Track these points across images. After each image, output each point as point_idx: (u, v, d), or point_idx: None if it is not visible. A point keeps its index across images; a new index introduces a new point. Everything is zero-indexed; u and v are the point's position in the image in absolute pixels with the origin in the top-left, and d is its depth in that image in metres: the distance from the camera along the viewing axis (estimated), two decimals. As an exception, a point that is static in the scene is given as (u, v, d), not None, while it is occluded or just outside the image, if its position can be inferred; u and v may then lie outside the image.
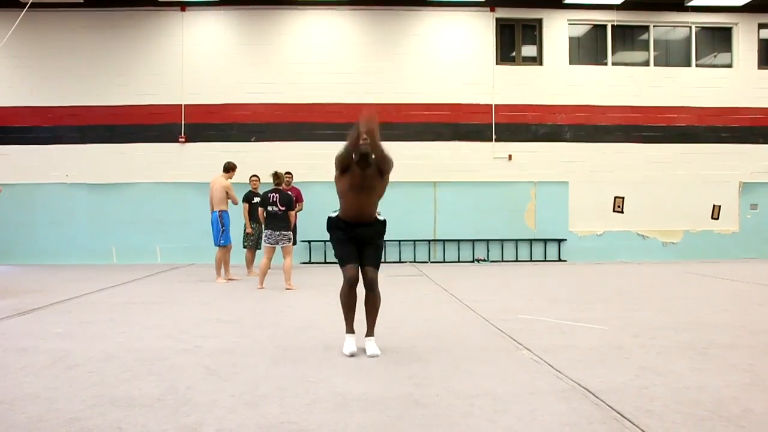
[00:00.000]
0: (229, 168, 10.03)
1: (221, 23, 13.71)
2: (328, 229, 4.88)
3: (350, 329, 4.72)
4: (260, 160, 12.60)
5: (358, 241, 4.78)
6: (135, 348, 4.74)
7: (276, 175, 8.95)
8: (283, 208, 8.66)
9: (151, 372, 4.00)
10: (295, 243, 10.91)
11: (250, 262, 10.91)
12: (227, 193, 9.76)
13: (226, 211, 9.79)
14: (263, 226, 9.00)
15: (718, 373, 3.96)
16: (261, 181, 11.00)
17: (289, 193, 9.07)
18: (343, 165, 4.60)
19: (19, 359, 4.35)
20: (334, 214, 4.84)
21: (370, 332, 4.72)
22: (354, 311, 4.77)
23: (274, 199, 8.70)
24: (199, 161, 13.34)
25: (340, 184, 4.69)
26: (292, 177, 11.80)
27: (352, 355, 4.49)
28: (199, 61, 13.61)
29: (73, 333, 5.36)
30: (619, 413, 3.15)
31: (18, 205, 13.24)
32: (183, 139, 13.52)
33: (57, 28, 13.52)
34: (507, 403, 3.33)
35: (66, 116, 13.50)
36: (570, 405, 3.30)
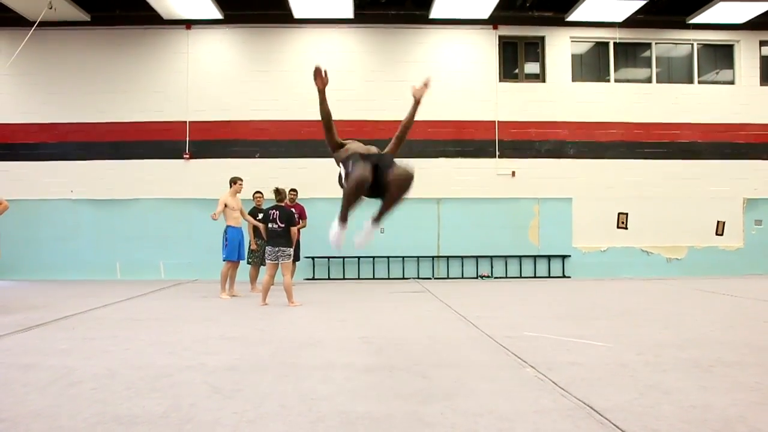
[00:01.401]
0: (231, 182, 10.06)
1: (226, 41, 13.84)
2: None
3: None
4: (264, 176, 12.67)
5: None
6: (138, 365, 4.73)
7: (277, 192, 8.96)
8: (283, 225, 8.65)
9: (154, 389, 3.99)
10: (298, 259, 10.93)
11: (253, 279, 10.90)
12: (224, 206, 9.71)
13: (231, 227, 9.79)
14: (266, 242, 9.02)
15: (724, 391, 3.93)
16: (265, 197, 11.05)
17: (291, 210, 9.06)
18: None
19: (23, 376, 4.35)
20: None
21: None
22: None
23: (275, 216, 8.72)
24: (204, 177, 13.41)
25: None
26: (296, 194, 11.84)
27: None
28: (203, 78, 13.73)
29: (77, 349, 5.36)
30: (624, 432, 3.13)
31: (23, 221, 13.30)
32: (188, 156, 13.59)
33: (64, 46, 13.67)
34: (511, 422, 3.31)
35: (72, 132, 13.60)
36: (575, 424, 3.28)
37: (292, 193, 11.66)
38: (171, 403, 3.66)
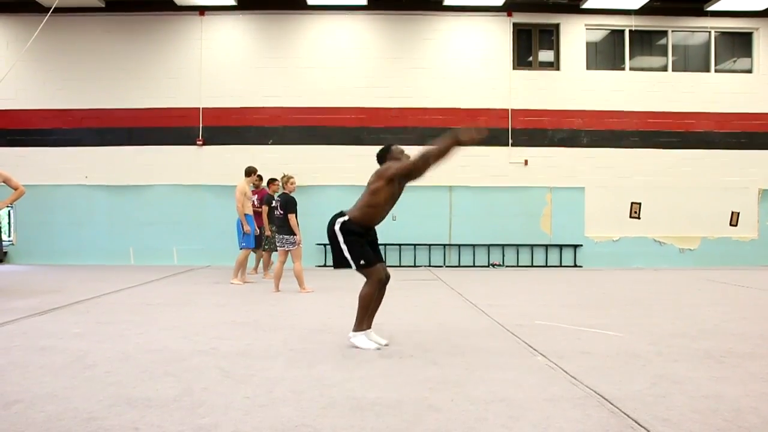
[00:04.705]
0: (247, 173, 10.06)
1: (239, 28, 13.83)
2: (347, 234, 4.83)
3: (369, 325, 4.98)
4: (277, 163, 12.66)
5: (371, 244, 4.98)
6: (152, 349, 4.78)
7: (272, 180, 9.02)
8: (282, 212, 8.62)
9: (167, 373, 4.03)
10: (258, 246, 10.39)
11: (266, 265, 10.95)
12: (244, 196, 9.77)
13: (249, 215, 9.80)
14: None
15: (736, 382, 3.91)
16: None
17: (290, 196, 8.61)
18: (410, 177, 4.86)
19: (39, 358, 4.41)
20: (345, 219, 4.87)
21: (369, 326, 5.01)
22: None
23: (277, 203, 8.74)
24: (217, 164, 13.47)
25: (384, 193, 4.84)
26: (260, 180, 10.92)
27: (382, 347, 4.84)
28: (217, 64, 13.74)
29: (91, 333, 5.42)
30: (635, 421, 3.12)
31: (38, 206, 13.43)
32: (201, 142, 13.64)
33: (78, 32, 13.73)
34: (522, 410, 3.32)
35: (86, 119, 13.69)
36: (585, 412, 3.28)
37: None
38: (184, 386, 3.70)
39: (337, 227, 4.85)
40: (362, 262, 4.81)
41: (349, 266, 4.89)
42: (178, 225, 13.63)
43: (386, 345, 4.90)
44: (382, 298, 5.04)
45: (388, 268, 5.04)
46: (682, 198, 13.99)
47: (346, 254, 4.83)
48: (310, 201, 12.62)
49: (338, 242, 4.85)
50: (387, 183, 4.83)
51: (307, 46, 13.79)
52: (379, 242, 5.12)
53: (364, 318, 4.89)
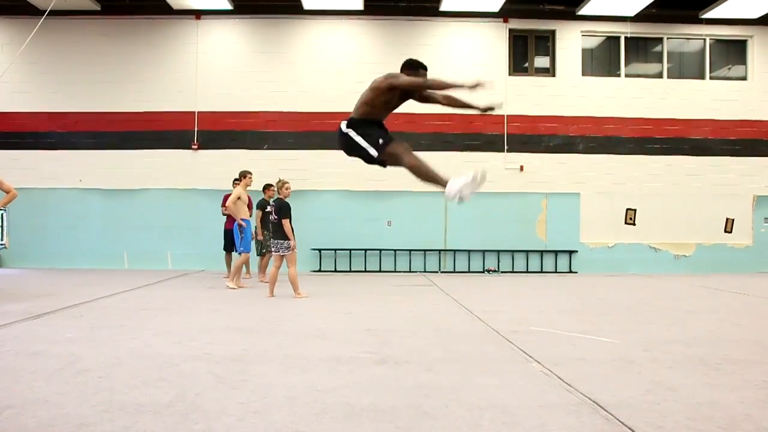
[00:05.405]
0: (242, 176, 10.04)
1: (235, 32, 13.82)
2: (357, 126, 4.72)
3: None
4: (272, 168, 12.65)
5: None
6: (145, 354, 4.75)
7: (267, 186, 9.02)
8: (277, 217, 8.58)
9: (160, 378, 4.01)
10: (234, 250, 10.44)
11: (262, 269, 10.93)
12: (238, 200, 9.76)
13: (245, 219, 9.78)
14: None
15: (731, 389, 3.91)
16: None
17: (285, 202, 8.65)
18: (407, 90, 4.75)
19: (31, 363, 4.38)
20: (347, 121, 4.79)
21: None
22: None
23: (271, 208, 8.76)
24: (212, 168, 13.44)
25: (383, 97, 4.73)
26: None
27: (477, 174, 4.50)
28: (212, 68, 13.72)
29: (84, 338, 5.39)
30: (629, 428, 3.11)
31: (32, 210, 13.38)
32: (196, 146, 13.61)
33: (73, 35, 13.70)
34: (516, 416, 3.31)
35: (80, 122, 13.64)
36: (580, 419, 3.27)
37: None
38: (177, 392, 3.68)
39: (344, 127, 4.77)
40: (381, 141, 4.63)
41: (373, 158, 4.68)
42: (172, 229, 13.58)
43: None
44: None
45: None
46: (677, 204, 14.03)
47: (365, 146, 4.65)
48: (305, 206, 12.63)
49: (353, 139, 4.70)
50: (388, 88, 4.72)
51: (303, 51, 13.79)
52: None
53: (437, 174, 4.55)
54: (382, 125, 4.89)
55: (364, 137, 4.69)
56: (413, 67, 4.90)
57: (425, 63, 4.93)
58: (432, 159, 13.62)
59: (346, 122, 4.80)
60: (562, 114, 13.92)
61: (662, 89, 14.15)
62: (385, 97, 4.75)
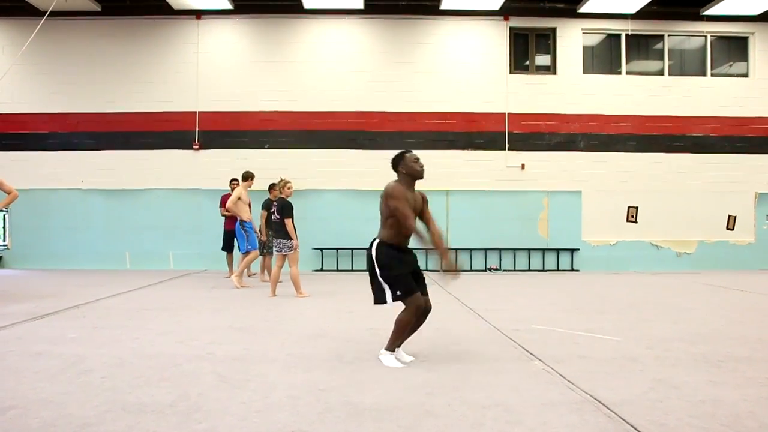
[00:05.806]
0: (245, 177, 10.06)
1: (236, 32, 13.82)
2: (387, 257, 4.50)
3: (399, 345, 4.63)
4: (273, 167, 12.66)
5: (414, 275, 4.64)
6: (147, 354, 4.76)
7: (276, 184, 9.03)
8: (279, 216, 8.59)
9: (163, 378, 4.01)
10: (230, 249, 10.60)
11: (264, 268, 10.94)
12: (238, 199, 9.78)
13: (244, 221, 9.81)
14: None
15: (734, 386, 3.90)
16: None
17: (287, 201, 8.74)
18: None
19: (34, 364, 4.38)
20: (377, 241, 4.62)
21: (400, 345, 4.68)
22: None
23: (274, 208, 8.75)
24: (213, 168, 13.45)
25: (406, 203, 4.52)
26: (237, 182, 10.82)
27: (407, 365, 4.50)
28: (213, 68, 13.72)
29: (87, 338, 5.40)
30: (632, 426, 3.11)
31: (34, 211, 13.40)
32: (197, 146, 13.61)
33: (74, 36, 13.70)
34: (519, 415, 3.31)
35: (82, 123, 13.65)
36: (582, 417, 3.27)
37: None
38: (180, 392, 3.68)
39: (373, 253, 4.56)
40: (399, 293, 4.44)
41: (385, 301, 4.49)
42: (174, 229, 13.59)
43: (412, 361, 4.59)
44: (419, 325, 4.67)
45: (427, 298, 4.64)
46: (679, 202, 14.01)
47: (385, 288, 4.47)
48: (307, 205, 12.63)
49: (375, 272, 4.52)
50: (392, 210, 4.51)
51: (303, 50, 13.78)
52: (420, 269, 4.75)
53: (397, 340, 4.57)
54: (416, 268, 4.71)
55: (388, 280, 4.48)
56: (401, 162, 4.71)
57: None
58: (434, 158, 13.64)
59: (375, 245, 4.60)
60: (563, 112, 13.90)
61: (663, 86, 14.12)
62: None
